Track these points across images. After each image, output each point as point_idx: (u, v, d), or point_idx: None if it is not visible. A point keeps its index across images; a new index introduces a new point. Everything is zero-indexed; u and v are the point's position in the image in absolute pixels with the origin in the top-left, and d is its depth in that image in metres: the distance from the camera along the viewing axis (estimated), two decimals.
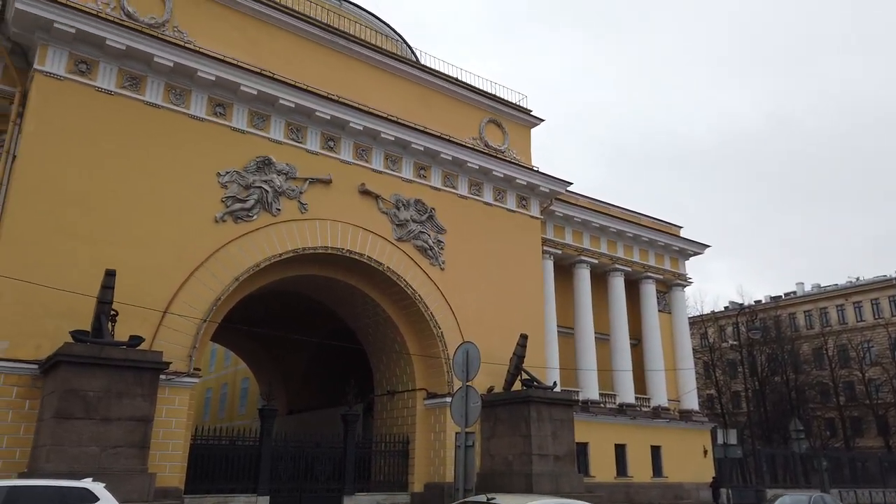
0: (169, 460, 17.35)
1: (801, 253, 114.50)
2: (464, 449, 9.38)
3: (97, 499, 10.60)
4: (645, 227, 33.62)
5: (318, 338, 28.96)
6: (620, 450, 29.21)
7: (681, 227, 36.54)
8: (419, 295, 23.56)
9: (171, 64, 19.42)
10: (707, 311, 61.69)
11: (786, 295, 74.82)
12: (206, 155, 20.10)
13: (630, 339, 31.91)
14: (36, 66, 17.93)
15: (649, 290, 33.65)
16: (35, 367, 16.09)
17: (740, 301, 64.44)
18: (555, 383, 23.95)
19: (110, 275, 16.16)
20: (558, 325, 28.90)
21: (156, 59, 19.19)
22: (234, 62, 20.77)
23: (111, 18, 18.91)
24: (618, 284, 32.20)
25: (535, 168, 27.89)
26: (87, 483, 10.87)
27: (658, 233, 34.05)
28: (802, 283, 75.71)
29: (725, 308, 65.33)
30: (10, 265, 16.24)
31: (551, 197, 28.36)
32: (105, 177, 18.22)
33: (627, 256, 32.82)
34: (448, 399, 22.83)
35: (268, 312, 29.43)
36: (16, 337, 16.17)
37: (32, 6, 17.38)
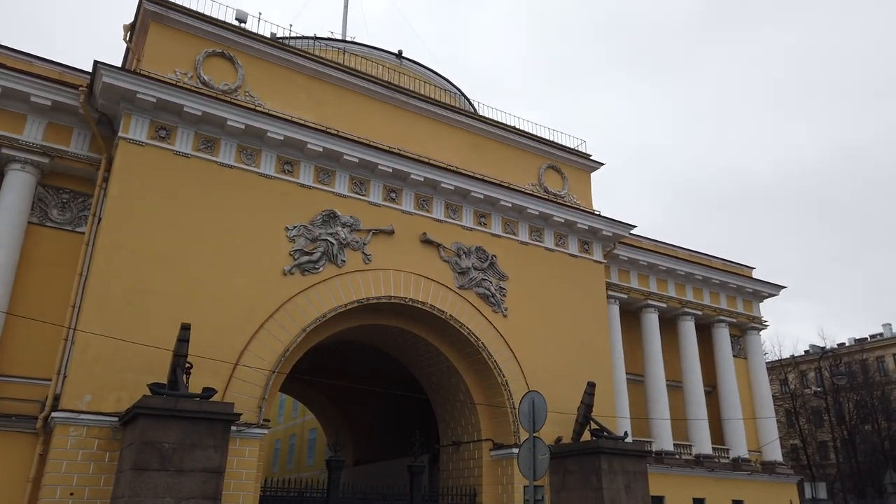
0: None
1: (886, 291, 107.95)
2: (532, 502, 9.12)
3: None
4: (714, 268, 32.57)
5: (383, 388, 29.07)
6: None
7: (752, 268, 35.24)
8: (482, 343, 23.42)
9: (243, 126, 20.46)
10: (786, 355, 58.75)
11: (872, 337, 70.45)
12: (275, 211, 20.87)
13: (704, 385, 30.61)
14: (120, 133, 19.22)
15: (722, 335, 32.37)
16: (115, 419, 16.73)
17: (822, 344, 61.00)
18: (626, 433, 23.09)
19: (185, 329, 16.77)
20: (627, 373, 28.09)
21: (229, 122, 20.26)
22: (301, 122, 21.70)
23: (188, 87, 20.18)
24: (688, 329, 31.13)
25: (596, 212, 27.65)
26: None
27: (729, 274, 32.91)
28: (889, 325, 71.20)
29: (806, 352, 62.06)
30: (94, 322, 17.14)
31: (614, 240, 27.95)
32: (182, 235, 19.14)
33: (697, 300, 31.80)
34: (514, 450, 22.41)
35: (334, 363, 29.83)
36: (98, 390, 16.92)
37: (118, 80, 18.77)
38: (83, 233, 19.51)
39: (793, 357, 58.30)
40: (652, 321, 29.97)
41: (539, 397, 10.24)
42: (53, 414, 16.56)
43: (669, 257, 30.84)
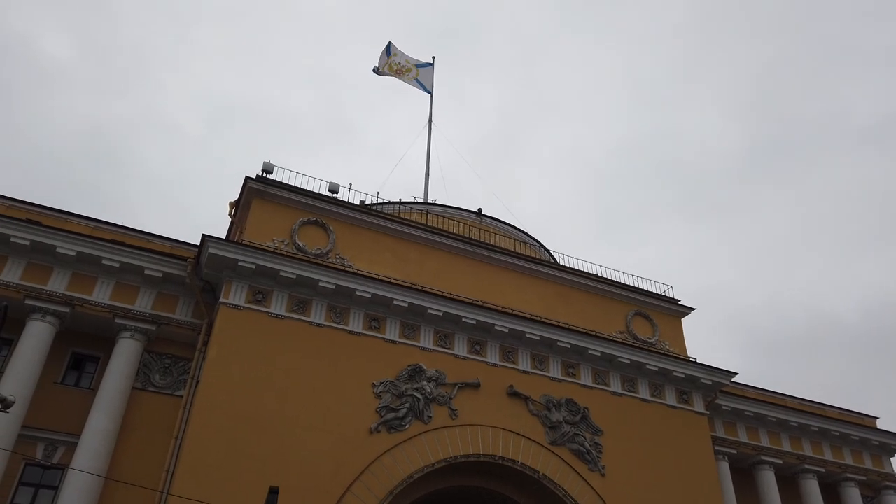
0: None
1: None
2: None
3: None
4: (831, 418, 29.67)
5: None
6: None
7: (876, 418, 31.87)
8: None
9: (334, 286, 21.39)
10: None
11: None
12: (363, 367, 21.09)
13: None
14: (221, 299, 20.48)
15: (852, 495, 28.76)
16: None
17: None
18: None
19: (274, 493, 16.41)
20: None
21: (321, 283, 21.28)
22: (387, 279, 22.51)
23: (285, 253, 21.58)
24: (812, 488, 27.87)
25: (691, 359, 26.31)
26: None
27: (849, 425, 29.81)
28: None
29: None
30: (187, 485, 17.19)
31: (715, 389, 26.22)
32: (273, 395, 19.49)
33: (817, 455, 28.73)
34: None
35: None
36: None
37: (223, 250, 20.37)
38: (181, 396, 20.22)
39: None
40: (769, 480, 27.08)
41: None
42: None
43: (779, 407, 28.46)
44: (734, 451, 26.99)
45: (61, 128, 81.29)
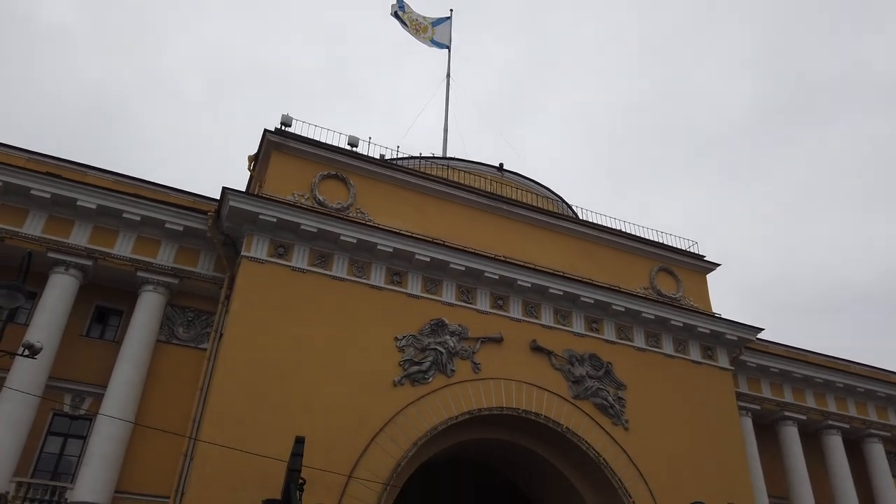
0: None
1: None
2: None
3: None
4: (857, 375, 29.31)
5: None
6: None
7: None
8: (604, 459, 21.66)
9: (355, 240, 21.15)
10: None
11: None
12: (385, 321, 20.96)
13: None
14: (243, 252, 20.32)
15: (876, 451, 28.56)
16: None
17: None
18: None
19: (300, 442, 16.48)
20: (768, 494, 24.89)
21: (342, 237, 21.03)
22: (409, 234, 22.22)
23: (305, 207, 21.30)
24: (835, 444, 27.68)
25: (716, 314, 25.95)
26: None
27: (875, 381, 29.45)
28: None
29: None
30: (212, 435, 17.26)
31: (740, 345, 25.90)
32: (297, 347, 19.44)
33: (842, 411, 28.47)
34: None
35: (441, 484, 28.43)
36: None
37: (244, 203, 20.13)
38: (205, 349, 20.25)
39: None
40: (792, 435, 26.91)
41: None
42: None
43: (804, 363, 28.10)
44: (758, 407, 26.80)
45: (68, 90, 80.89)
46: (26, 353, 11.55)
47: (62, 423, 18.83)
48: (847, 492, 26.70)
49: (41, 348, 12.25)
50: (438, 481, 27.75)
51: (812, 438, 28.07)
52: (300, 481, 16.50)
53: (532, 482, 24.28)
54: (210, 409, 18.00)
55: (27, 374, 17.02)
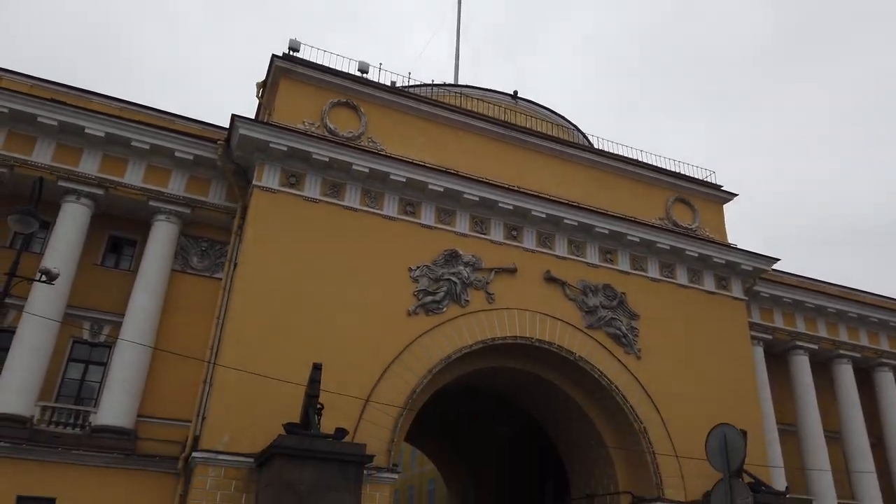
0: None
1: None
2: None
3: None
4: (870, 305, 29.24)
5: (507, 436, 27.89)
6: None
7: None
8: (615, 386, 21.91)
9: (367, 170, 20.80)
10: None
11: None
12: (399, 252, 20.85)
13: (869, 437, 27.05)
14: (254, 182, 20.04)
15: (886, 380, 28.79)
16: (251, 460, 16.77)
17: None
18: (787, 488, 20.58)
19: (317, 368, 16.75)
20: (777, 422, 25.27)
21: (354, 166, 20.67)
22: (421, 163, 21.81)
23: (316, 135, 20.86)
24: (845, 373, 27.89)
25: (732, 245, 25.69)
26: None
27: (888, 312, 29.39)
28: None
29: None
30: (231, 362, 17.47)
31: (754, 276, 25.75)
32: (312, 277, 19.42)
33: (853, 340, 28.55)
34: None
35: (456, 410, 29.06)
36: (235, 432, 17.09)
37: (253, 131, 19.71)
38: (220, 278, 20.28)
39: None
40: (802, 364, 27.10)
41: (733, 431, 9.01)
42: (194, 454, 16.85)
43: (817, 293, 28.01)
44: (769, 337, 26.90)
45: (61, 12, 78.51)
46: (43, 278, 11.50)
47: (82, 350, 19.11)
48: (855, 419, 27.08)
49: (58, 274, 12.20)
50: (453, 408, 28.37)
51: (822, 368, 28.27)
52: (318, 406, 16.87)
53: (544, 409, 24.71)
54: (227, 337, 18.16)
55: (45, 301, 17.10)
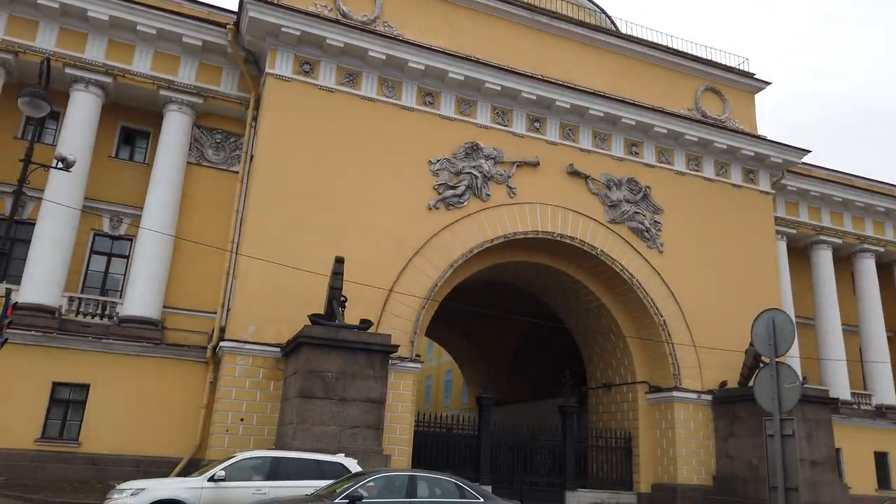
0: (397, 443, 17.52)
1: None
2: (779, 438, 7.77)
3: (349, 473, 10.57)
4: None
5: (524, 329, 28.28)
6: (881, 458, 24.93)
7: None
8: (637, 280, 21.82)
9: (384, 57, 19.79)
10: None
11: None
12: (418, 144, 20.21)
13: (886, 331, 27.22)
14: (267, 70, 19.16)
15: None
16: (277, 350, 17.06)
17: None
18: (804, 378, 20.85)
19: (339, 261, 16.64)
20: (796, 315, 25.34)
21: (370, 53, 19.66)
22: (441, 50, 20.72)
23: (329, 18, 19.71)
24: (867, 268, 27.66)
25: (762, 137, 24.75)
26: (341, 458, 10.94)
27: None
28: None
29: None
30: (253, 255, 17.38)
31: (783, 169, 24.99)
32: (330, 170, 18.96)
33: (878, 235, 28.08)
34: (675, 394, 20.97)
35: (475, 304, 29.30)
36: (259, 322, 17.26)
37: (263, 13, 18.60)
38: (237, 172, 19.88)
39: None
40: (824, 258, 26.84)
41: (782, 315, 8.75)
42: (222, 343, 17.14)
43: (846, 187, 27.26)
44: (794, 231, 26.51)
45: None
46: (60, 165, 11.15)
47: (103, 243, 19.09)
48: (874, 312, 27.13)
49: (74, 161, 11.83)
50: (472, 302, 28.62)
51: (843, 262, 28.06)
52: (342, 299, 16.92)
53: (563, 303, 24.82)
54: (247, 230, 17.98)
55: (63, 192, 16.83)
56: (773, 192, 25.06)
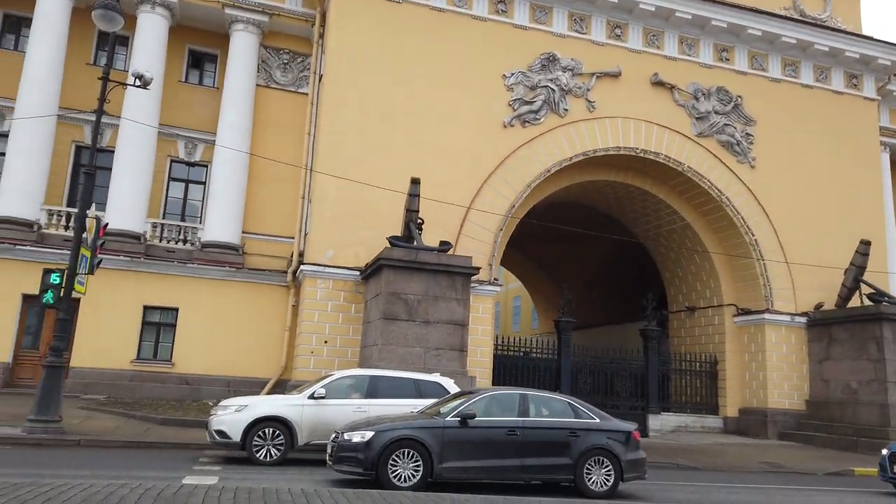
0: (479, 366, 17.30)
1: None
2: None
3: (447, 393, 10.33)
4: None
5: (599, 252, 27.40)
6: None
7: None
8: (726, 197, 20.51)
9: None
10: None
11: None
12: (492, 57, 19.10)
13: None
14: None
15: None
16: (356, 273, 16.87)
17: None
18: None
19: (415, 183, 16.09)
20: None
21: None
22: None
23: None
24: None
25: (868, 36, 22.39)
26: (438, 378, 10.70)
27: None
28: None
29: None
30: (327, 180, 16.98)
31: (890, 72, 22.67)
32: (401, 88, 18.16)
33: None
34: (766, 316, 19.98)
35: (546, 228, 28.46)
36: (337, 246, 17.05)
37: None
38: (306, 93, 19.35)
39: None
40: None
41: None
42: (302, 267, 17.08)
43: None
44: None
45: None
46: (137, 83, 10.81)
47: (180, 170, 19.12)
48: None
49: (152, 78, 11.49)
50: (546, 224, 27.78)
51: None
52: (419, 221, 16.45)
53: (644, 223, 23.71)
54: (320, 153, 17.56)
55: (140, 116, 16.67)
56: (879, 98, 22.85)
